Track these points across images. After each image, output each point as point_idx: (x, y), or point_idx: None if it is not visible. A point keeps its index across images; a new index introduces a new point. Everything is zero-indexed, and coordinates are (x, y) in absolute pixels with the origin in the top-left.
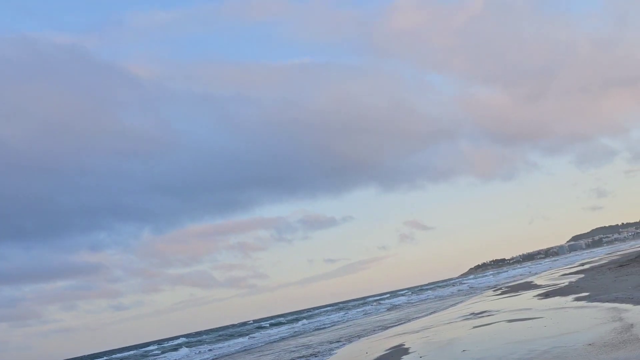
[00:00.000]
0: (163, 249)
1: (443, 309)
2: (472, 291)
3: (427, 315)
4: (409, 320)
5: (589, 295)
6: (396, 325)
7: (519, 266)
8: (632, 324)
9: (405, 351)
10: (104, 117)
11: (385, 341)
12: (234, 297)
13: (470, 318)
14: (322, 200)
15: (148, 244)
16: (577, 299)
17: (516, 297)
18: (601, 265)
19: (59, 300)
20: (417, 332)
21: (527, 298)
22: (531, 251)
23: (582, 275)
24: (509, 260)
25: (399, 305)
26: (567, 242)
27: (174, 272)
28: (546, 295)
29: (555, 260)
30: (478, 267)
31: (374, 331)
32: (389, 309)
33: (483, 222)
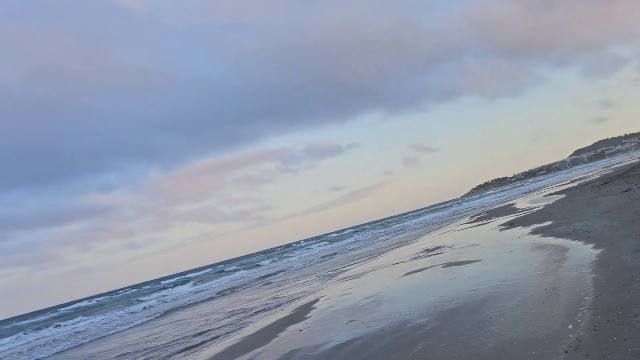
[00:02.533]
0: (171, 186)
1: (409, 242)
2: (454, 217)
3: (390, 250)
4: (367, 259)
5: (550, 225)
6: (344, 270)
7: (519, 184)
8: (558, 283)
9: (302, 316)
10: (101, 56)
11: (309, 297)
12: (242, 230)
13: (420, 257)
14: (327, 128)
15: (156, 182)
16: (534, 231)
17: (483, 225)
18: (588, 183)
19: (74, 242)
20: (352, 279)
21: (490, 228)
22: (533, 168)
23: (563, 196)
24: (511, 178)
25: (374, 237)
26: (570, 156)
27: (183, 208)
28: (511, 224)
29: (553, 177)
30: (480, 187)
31: (315, 281)
32: (366, 241)
33: (487, 141)
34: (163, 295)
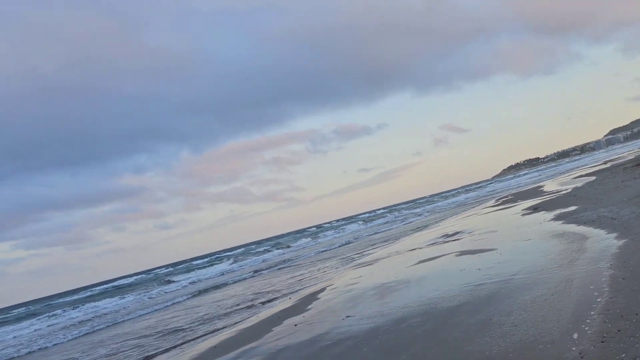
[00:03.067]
0: (201, 168)
1: (431, 226)
2: (481, 200)
3: (410, 234)
4: (387, 243)
5: (574, 210)
6: (363, 255)
7: (551, 165)
8: (571, 279)
9: (303, 308)
10: (133, 40)
11: (318, 285)
12: (272, 211)
13: (437, 243)
14: (356, 109)
15: (187, 164)
16: (557, 217)
17: (507, 209)
18: (621, 164)
19: (108, 222)
20: (365, 265)
21: (513, 213)
22: (566, 148)
23: (592, 178)
24: (543, 159)
25: (398, 220)
26: (605, 136)
27: (213, 190)
28: (535, 209)
29: (587, 157)
30: (511, 167)
31: (330, 269)
32: (386, 223)
33: (520, 121)
34: (189, 279)
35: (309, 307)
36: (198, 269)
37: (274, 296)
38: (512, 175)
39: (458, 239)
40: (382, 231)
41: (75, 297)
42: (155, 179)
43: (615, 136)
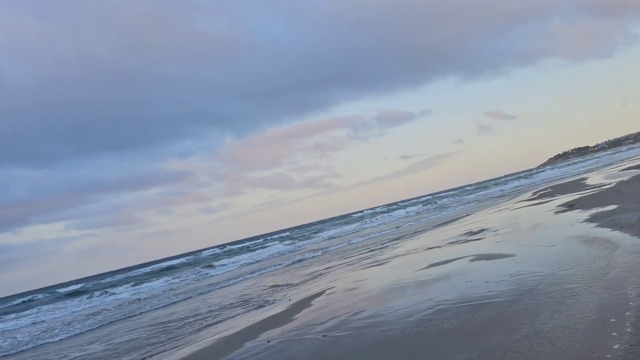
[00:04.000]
0: (244, 153)
1: (458, 220)
2: (519, 191)
3: (436, 228)
4: (409, 238)
5: (612, 210)
6: (381, 250)
7: (600, 154)
8: (588, 307)
9: (289, 317)
10: (181, 24)
11: (318, 286)
12: (310, 197)
13: (458, 241)
14: (400, 95)
15: (230, 149)
16: (592, 218)
17: (541, 205)
18: None
19: (155, 205)
20: (376, 265)
21: (547, 209)
22: (619, 137)
23: None
24: (593, 147)
25: (430, 211)
26: None
27: (255, 175)
28: (570, 205)
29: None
30: (558, 156)
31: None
32: (417, 215)
33: (570, 107)
34: (222, 266)
35: (295, 316)
36: (231, 255)
37: (270, 300)
38: (559, 165)
39: (480, 238)
40: (408, 224)
41: (128, 274)
42: (199, 163)
43: None
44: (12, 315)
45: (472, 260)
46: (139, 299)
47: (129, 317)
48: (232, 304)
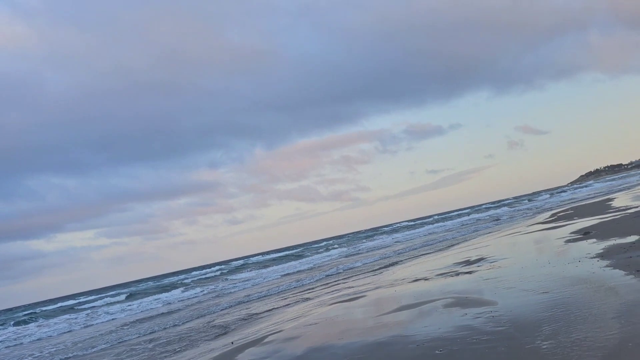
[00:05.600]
0: (272, 165)
1: (464, 242)
2: (536, 211)
3: (437, 252)
4: (398, 263)
5: (632, 244)
6: (352, 283)
7: (634, 172)
8: None
9: None
10: (214, 37)
11: (275, 326)
12: (336, 211)
13: (448, 274)
14: (430, 108)
15: (259, 160)
16: (605, 253)
17: (555, 230)
18: None
19: (182, 215)
20: (345, 301)
21: (559, 236)
22: None
23: None
24: (626, 165)
25: (440, 231)
26: None
27: (281, 187)
28: (586, 233)
29: None
30: (590, 173)
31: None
32: (427, 236)
33: (605, 123)
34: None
35: None
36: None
37: (216, 334)
38: (589, 182)
39: (472, 272)
40: (410, 249)
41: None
42: (228, 174)
43: None
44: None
45: (445, 306)
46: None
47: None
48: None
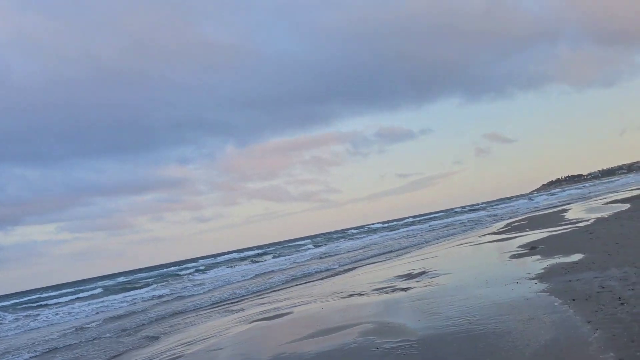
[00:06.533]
0: (243, 163)
1: (413, 251)
2: (495, 220)
3: (383, 260)
4: (331, 277)
5: (574, 264)
6: (284, 295)
7: (592, 183)
8: None
9: None
10: (188, 31)
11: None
12: (304, 212)
13: (385, 289)
14: (403, 112)
15: (229, 158)
16: (545, 274)
17: (505, 242)
18: None
19: (149, 211)
20: (262, 320)
21: (505, 250)
22: (613, 166)
23: (626, 207)
24: (586, 176)
25: (394, 238)
26: None
27: (251, 186)
28: (532, 248)
29: (633, 177)
30: (552, 183)
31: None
32: (373, 245)
33: (568, 134)
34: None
35: None
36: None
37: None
38: (549, 192)
39: (408, 288)
40: (364, 256)
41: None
42: (197, 171)
43: None
44: None
45: (361, 334)
46: None
47: None
48: None
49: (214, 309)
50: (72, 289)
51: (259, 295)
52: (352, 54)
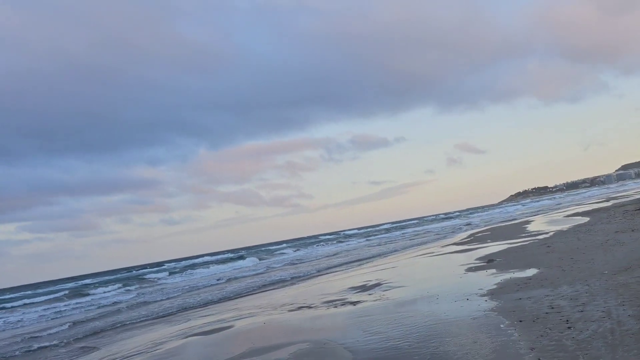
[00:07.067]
0: (215, 166)
1: (374, 260)
2: (459, 229)
3: (341, 271)
4: (285, 286)
5: (528, 279)
6: (225, 310)
7: (557, 196)
8: None
9: None
10: (164, 29)
11: None
12: (275, 217)
13: (334, 302)
14: (377, 120)
15: (201, 160)
16: (497, 290)
17: (466, 253)
18: (623, 204)
19: (116, 213)
20: (186, 338)
21: (464, 262)
22: (576, 179)
23: (585, 220)
24: (551, 188)
25: (361, 247)
26: (616, 170)
27: (223, 189)
28: (489, 261)
29: (594, 191)
30: (519, 194)
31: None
32: (342, 253)
33: (535, 148)
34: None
35: None
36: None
37: None
38: (515, 203)
39: (359, 302)
40: (327, 266)
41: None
42: (168, 172)
43: (627, 172)
44: None
45: (295, 357)
46: None
47: None
48: None
49: (163, 319)
50: (29, 292)
51: (206, 307)
52: (329, 60)
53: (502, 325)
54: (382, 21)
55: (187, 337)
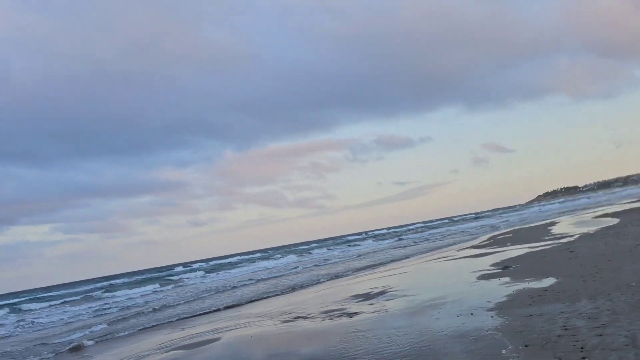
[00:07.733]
0: (240, 167)
1: (386, 264)
2: (481, 231)
3: (348, 276)
4: (289, 293)
5: (545, 290)
6: (217, 322)
7: (592, 194)
8: None
9: None
10: (190, 34)
11: None
12: (299, 218)
13: (333, 313)
14: (403, 120)
15: (227, 162)
16: (508, 303)
17: (482, 258)
18: None
19: (143, 214)
20: (197, 345)
21: (479, 267)
22: (608, 179)
23: (615, 222)
24: (582, 188)
25: (379, 250)
26: None
27: (248, 190)
28: (505, 267)
29: (628, 190)
30: (547, 194)
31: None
32: (359, 256)
33: (565, 146)
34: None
35: None
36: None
37: None
38: (544, 203)
39: (357, 313)
40: (336, 264)
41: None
42: (194, 174)
43: None
44: None
45: None
46: None
47: None
48: None
49: (167, 324)
50: (59, 292)
51: (214, 313)
52: (353, 60)
53: (504, 351)
54: (406, 20)
55: (169, 350)
